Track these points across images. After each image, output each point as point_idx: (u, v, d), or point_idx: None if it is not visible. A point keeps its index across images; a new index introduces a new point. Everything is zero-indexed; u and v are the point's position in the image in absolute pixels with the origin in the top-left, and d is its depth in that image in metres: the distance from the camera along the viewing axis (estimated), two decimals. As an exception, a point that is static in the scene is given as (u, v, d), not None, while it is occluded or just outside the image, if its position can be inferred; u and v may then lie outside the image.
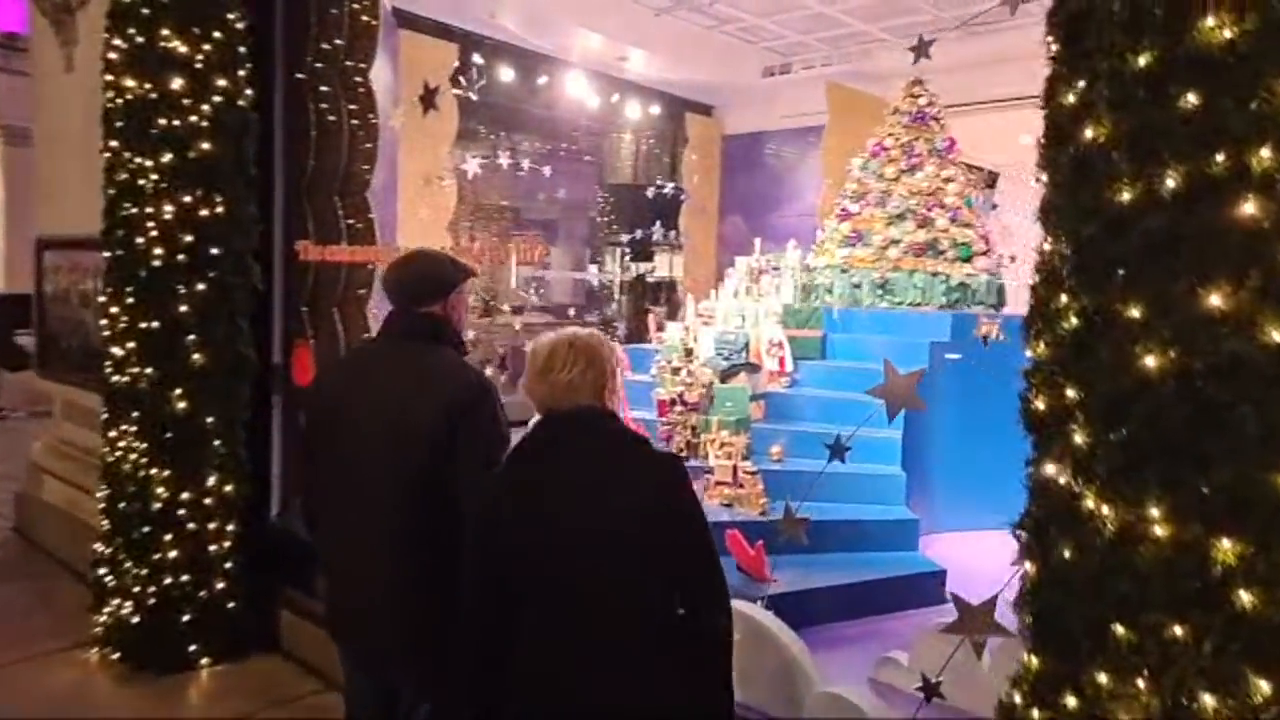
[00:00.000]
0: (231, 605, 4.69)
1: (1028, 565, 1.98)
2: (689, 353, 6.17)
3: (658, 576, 1.98)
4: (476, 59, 9.68)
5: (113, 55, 4.64)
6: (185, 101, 4.52)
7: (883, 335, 6.62)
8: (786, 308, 6.63)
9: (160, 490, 4.51)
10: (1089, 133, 1.86)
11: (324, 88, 5.51)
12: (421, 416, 2.42)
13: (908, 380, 3.34)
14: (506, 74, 10.19)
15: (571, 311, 11.36)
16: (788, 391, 6.31)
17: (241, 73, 4.77)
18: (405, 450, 2.42)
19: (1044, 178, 2.02)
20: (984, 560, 5.77)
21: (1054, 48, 2.02)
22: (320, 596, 5.05)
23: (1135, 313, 1.77)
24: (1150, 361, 1.74)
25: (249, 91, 4.85)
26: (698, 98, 12.24)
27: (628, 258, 12.03)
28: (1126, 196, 1.79)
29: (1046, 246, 2.03)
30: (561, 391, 2.07)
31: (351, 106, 5.57)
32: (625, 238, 11.89)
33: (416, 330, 2.62)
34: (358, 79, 5.62)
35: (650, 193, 11.48)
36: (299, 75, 5.39)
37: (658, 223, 11.69)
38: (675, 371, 6.16)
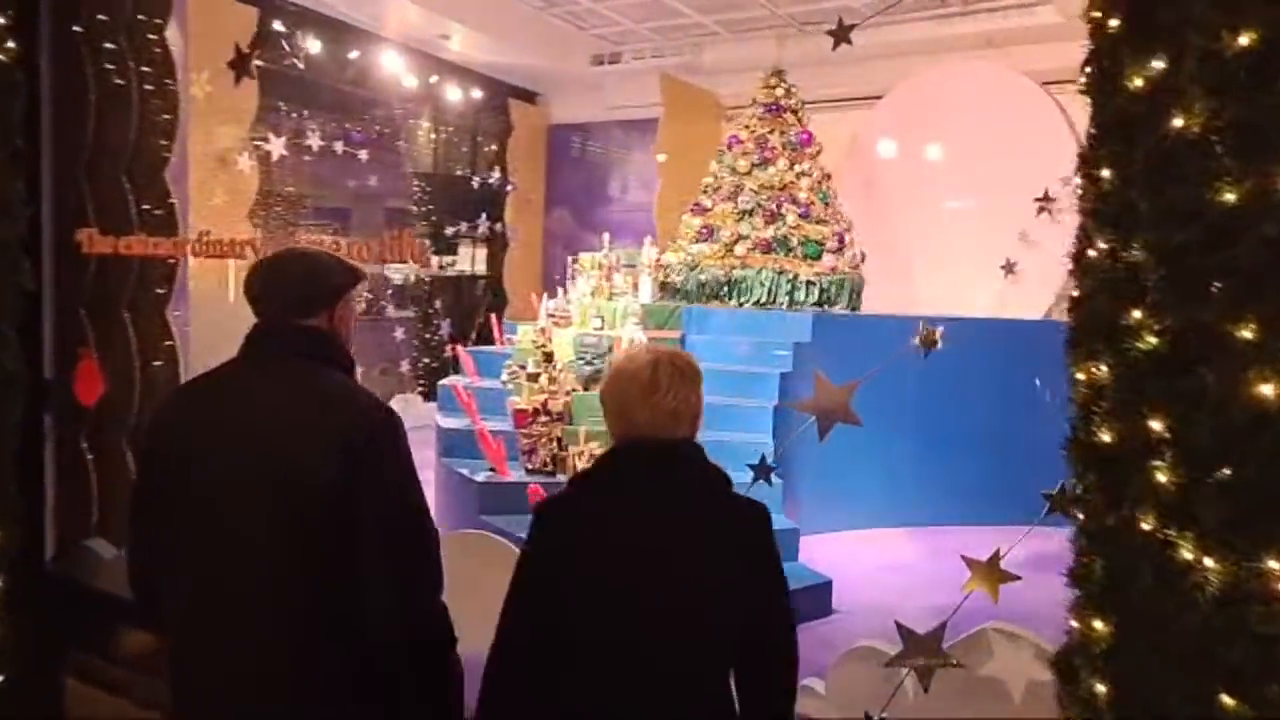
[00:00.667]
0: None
1: (1096, 623, 1.69)
2: (549, 357, 5.67)
3: (725, 652, 1.80)
4: (278, 26, 8.64)
5: None
6: (-76, 52, 3.51)
7: (742, 336, 6.41)
8: (645, 308, 6.27)
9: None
10: (1177, 121, 1.58)
11: (109, 45, 4.54)
12: (311, 460, 1.83)
13: (841, 393, 3.04)
14: (312, 45, 9.19)
15: (389, 309, 10.46)
16: (649, 396, 5.93)
17: (1, 20, 3.78)
18: (289, 504, 1.83)
19: (1101, 172, 1.74)
20: (855, 564, 5.80)
21: (1111, 23, 1.74)
22: (118, 660, 4.18)
23: (1247, 334, 1.50)
24: (1268, 390, 1.48)
25: (11, 44, 3.85)
26: (523, 84, 11.66)
27: (430, 252, 11.29)
28: (1231, 197, 1.52)
29: (1099, 251, 1.75)
30: (664, 419, 1.78)
31: (145, 69, 4.63)
32: (428, 231, 11.10)
33: (296, 348, 2.01)
34: (152, 36, 4.69)
35: (476, 183, 10.79)
36: (75, 28, 4.41)
37: (483, 215, 11.02)
38: (533, 378, 5.65)
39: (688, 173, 10.46)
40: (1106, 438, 1.70)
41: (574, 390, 5.40)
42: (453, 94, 10.79)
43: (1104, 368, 1.71)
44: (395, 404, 10.23)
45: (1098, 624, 1.69)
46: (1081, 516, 1.76)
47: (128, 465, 4.82)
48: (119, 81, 4.54)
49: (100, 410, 4.65)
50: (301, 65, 9.22)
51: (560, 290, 7.07)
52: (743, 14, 9.15)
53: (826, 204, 7.47)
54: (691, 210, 7.66)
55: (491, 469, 5.23)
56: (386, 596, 1.84)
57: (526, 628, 1.78)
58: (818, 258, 7.15)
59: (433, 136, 10.96)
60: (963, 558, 2.72)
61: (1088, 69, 1.82)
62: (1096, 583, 1.70)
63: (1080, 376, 1.75)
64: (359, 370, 2.34)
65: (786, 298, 7.07)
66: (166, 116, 4.73)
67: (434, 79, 10.51)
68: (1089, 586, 1.72)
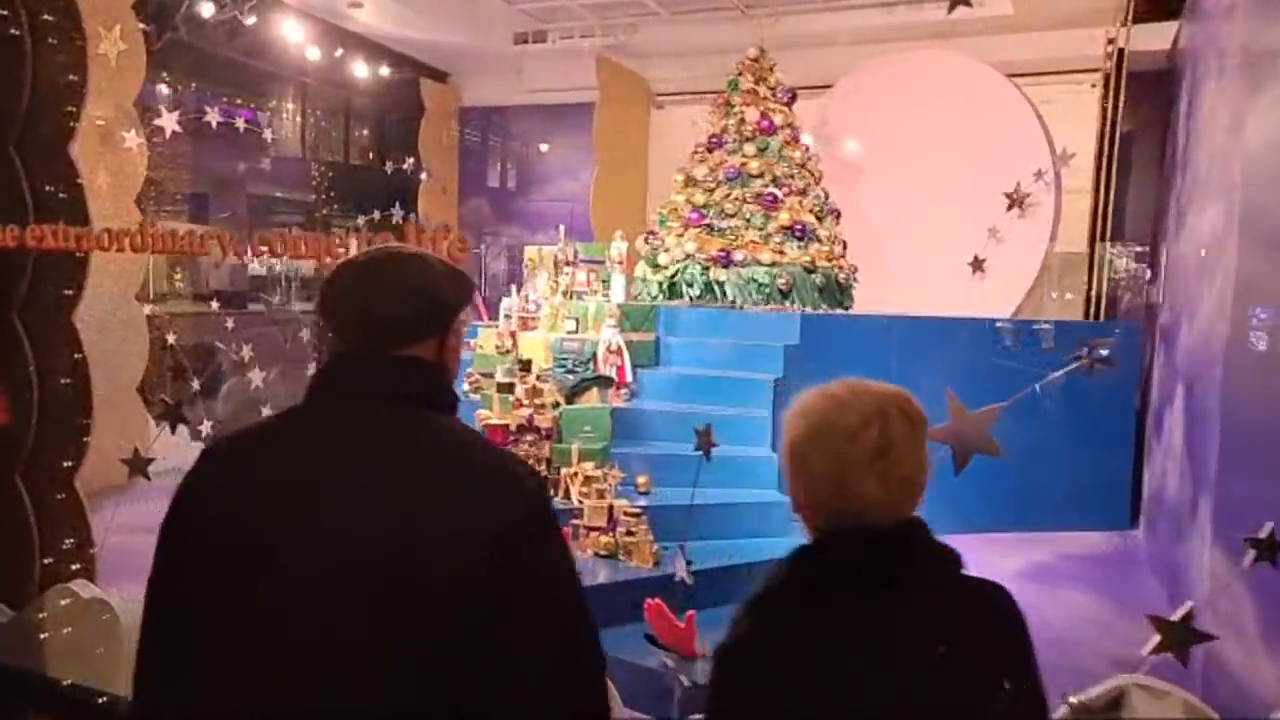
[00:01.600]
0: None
1: None
2: (526, 366, 5.02)
3: None
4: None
5: None
6: None
7: (722, 338, 5.92)
8: (622, 308, 5.69)
9: None
10: None
11: (-6, -17, 3.63)
12: (441, 561, 1.22)
13: (980, 419, 2.59)
14: (204, 9, 8.12)
15: (293, 304, 9.43)
16: (628, 406, 5.37)
17: None
18: (404, 627, 1.21)
19: None
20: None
21: None
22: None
23: None
24: None
25: None
26: (434, 62, 10.78)
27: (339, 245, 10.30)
28: None
29: None
30: (898, 493, 1.27)
31: (46, 18, 3.71)
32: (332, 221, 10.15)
33: (398, 388, 1.38)
34: (52, -22, 3.79)
35: (389, 170, 9.86)
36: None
37: (395, 205, 10.08)
38: (504, 389, 4.98)
39: (624, 162, 9.94)
40: None
41: (558, 403, 4.77)
42: (360, 70, 9.84)
43: None
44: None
45: None
46: None
47: (23, 506, 3.91)
48: (13, 31, 3.62)
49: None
50: (185, 32, 8.17)
51: (513, 289, 6.40)
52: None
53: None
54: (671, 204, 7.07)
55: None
56: None
57: None
58: (805, 249, 6.69)
59: (342, 120, 9.98)
60: (1150, 618, 2.32)
61: None
62: None
63: None
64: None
65: (807, 297, 6.57)
66: (73, 78, 3.83)
67: (339, 52, 9.54)
68: None
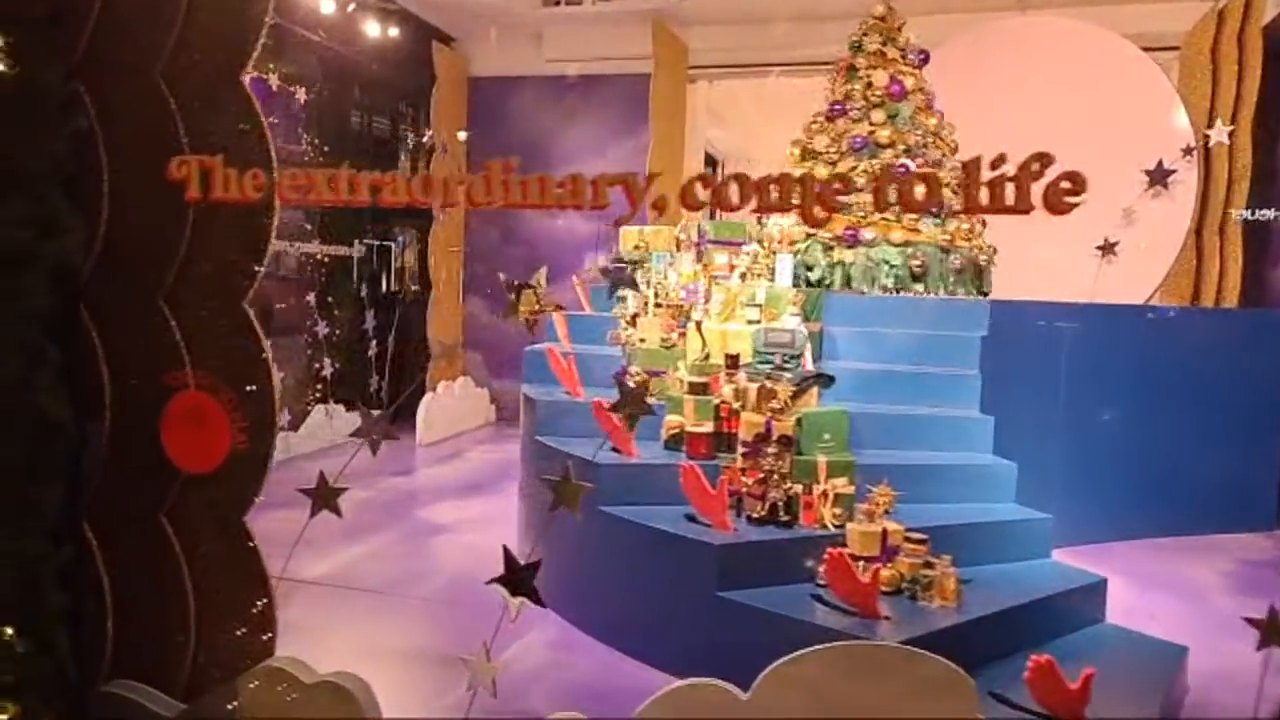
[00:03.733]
0: None
1: None
2: (734, 361, 4.20)
3: None
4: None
5: None
6: None
7: (900, 329, 5.23)
8: (804, 293, 4.92)
9: None
10: None
11: None
12: None
13: None
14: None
15: (310, 298, 8.22)
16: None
17: None
18: None
19: None
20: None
21: None
22: None
23: None
24: None
25: None
26: (444, 25, 9.69)
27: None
28: None
29: None
30: None
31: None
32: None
33: None
34: None
35: (410, 142, 8.77)
36: None
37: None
38: (697, 389, 4.15)
39: (669, 135, 9.13)
40: None
41: (789, 405, 3.96)
42: (371, 29, 8.70)
43: None
44: (316, 417, 8.13)
45: None
46: None
47: (173, 554, 2.88)
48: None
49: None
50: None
51: (631, 272, 5.53)
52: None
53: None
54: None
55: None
56: None
57: None
58: (943, 225, 6.02)
59: (354, 88, 8.80)
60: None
61: None
62: None
63: None
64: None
65: (942, 282, 5.92)
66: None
67: (351, 7, 8.39)
68: None
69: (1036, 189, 1.99)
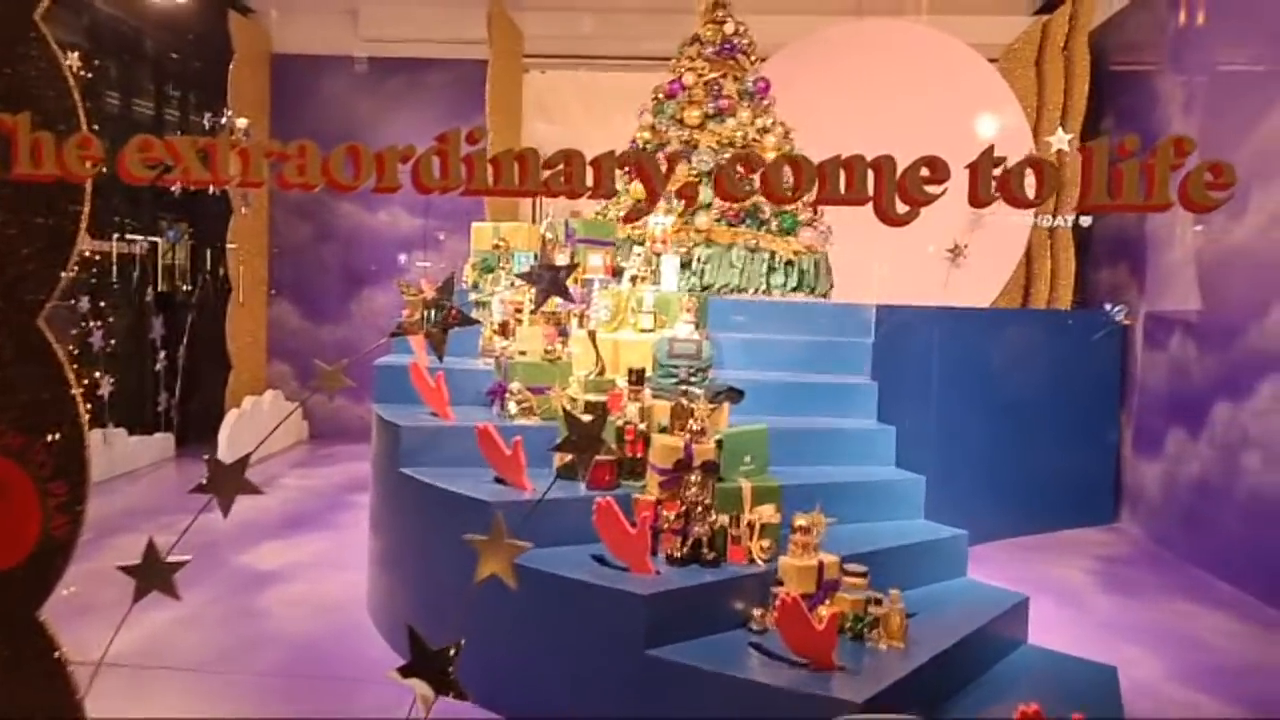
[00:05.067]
0: None
1: None
2: (639, 375, 3.67)
3: None
4: None
5: None
6: None
7: (785, 335, 4.91)
8: (695, 297, 4.47)
9: None
10: None
11: None
12: None
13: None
14: None
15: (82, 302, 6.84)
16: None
17: None
18: None
19: None
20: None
21: None
22: None
23: None
24: None
25: None
26: (240, -7, 8.53)
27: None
28: None
29: None
30: None
31: None
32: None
33: None
34: None
35: (208, 125, 7.55)
36: None
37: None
38: (594, 409, 3.61)
39: (514, 132, 8.50)
40: None
41: (708, 425, 3.50)
42: (153, -9, 7.47)
43: None
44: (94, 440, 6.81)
45: None
46: None
47: None
48: None
49: None
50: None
51: (497, 277, 4.89)
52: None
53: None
54: (627, 175, 5.88)
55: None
56: None
57: None
58: (793, 231, 5.84)
59: (126, 59, 7.49)
60: None
61: None
62: None
63: None
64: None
65: (763, 281, 5.69)
66: None
67: (128, -36, 7.16)
68: None
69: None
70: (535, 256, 5.03)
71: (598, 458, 3.52)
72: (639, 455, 3.59)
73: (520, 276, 3.89)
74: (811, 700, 2.74)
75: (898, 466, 4.42)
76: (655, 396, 3.70)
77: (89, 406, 6.22)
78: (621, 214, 5.46)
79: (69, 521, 1.84)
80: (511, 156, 1.78)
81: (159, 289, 7.98)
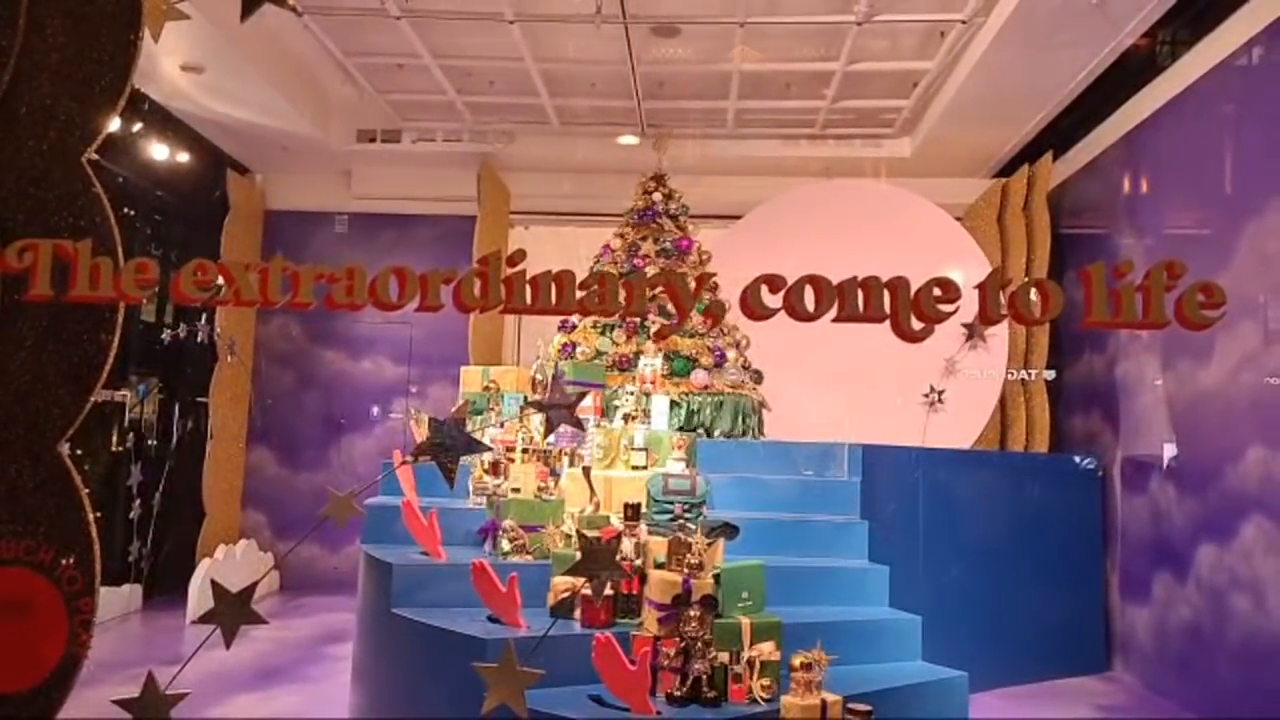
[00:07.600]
0: None
1: None
2: (635, 511, 3.68)
3: None
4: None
5: None
6: None
7: (757, 473, 4.98)
8: (686, 436, 4.54)
9: None
10: None
11: None
12: None
13: None
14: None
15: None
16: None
17: None
18: None
19: None
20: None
21: None
22: None
23: None
24: None
25: None
26: (239, 154, 8.90)
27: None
28: None
29: None
30: None
31: None
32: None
33: None
34: None
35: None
36: None
37: (203, 318, 7.97)
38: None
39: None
40: None
41: (706, 560, 3.48)
42: (158, 151, 7.79)
43: None
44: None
45: None
46: None
47: None
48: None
49: None
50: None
51: (489, 418, 4.95)
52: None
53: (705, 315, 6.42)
54: (559, 327, 6.24)
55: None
56: None
57: None
58: (685, 375, 5.98)
59: (127, 211, 7.74)
60: None
61: None
62: None
63: None
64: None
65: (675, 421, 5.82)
66: None
67: (137, 127, 7.50)
68: None
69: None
70: (524, 398, 5.11)
71: (589, 592, 3.50)
72: (635, 592, 3.56)
73: (532, 405, 3.94)
74: None
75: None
76: (651, 533, 3.70)
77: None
78: (613, 356, 5.70)
79: (89, 639, 1.80)
80: (550, 277, 1.88)
81: (139, 437, 7.91)
